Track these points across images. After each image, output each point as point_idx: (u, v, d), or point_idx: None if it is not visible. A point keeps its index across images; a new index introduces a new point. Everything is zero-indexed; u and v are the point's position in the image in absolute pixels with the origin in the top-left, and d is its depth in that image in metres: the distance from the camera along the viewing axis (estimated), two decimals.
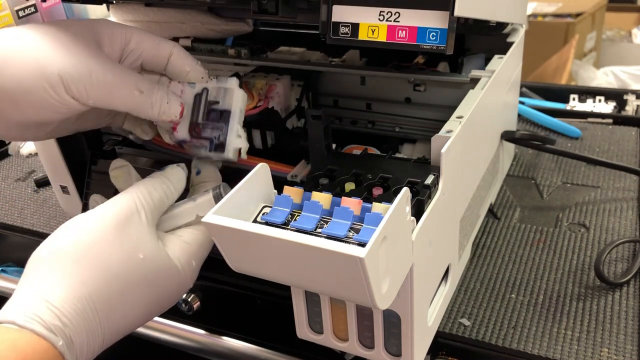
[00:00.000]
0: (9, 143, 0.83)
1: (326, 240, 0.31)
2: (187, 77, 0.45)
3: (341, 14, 0.41)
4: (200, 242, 0.42)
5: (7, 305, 0.34)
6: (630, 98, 0.84)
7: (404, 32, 0.40)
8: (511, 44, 0.56)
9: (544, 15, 1.96)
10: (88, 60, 0.38)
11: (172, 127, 0.45)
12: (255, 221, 0.37)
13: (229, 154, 0.45)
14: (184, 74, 0.45)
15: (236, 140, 0.45)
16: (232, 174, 0.46)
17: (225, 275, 0.53)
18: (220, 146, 0.45)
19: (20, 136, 0.41)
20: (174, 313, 0.55)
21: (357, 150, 0.52)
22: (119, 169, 0.46)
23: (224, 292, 0.53)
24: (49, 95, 0.38)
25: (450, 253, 0.46)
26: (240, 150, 0.45)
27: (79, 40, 0.39)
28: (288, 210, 0.36)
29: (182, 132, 0.45)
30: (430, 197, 0.39)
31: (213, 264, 0.54)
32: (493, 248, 0.56)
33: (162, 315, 0.55)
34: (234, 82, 0.45)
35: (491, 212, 0.61)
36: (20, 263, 0.64)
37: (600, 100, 0.84)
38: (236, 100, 0.45)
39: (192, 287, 0.54)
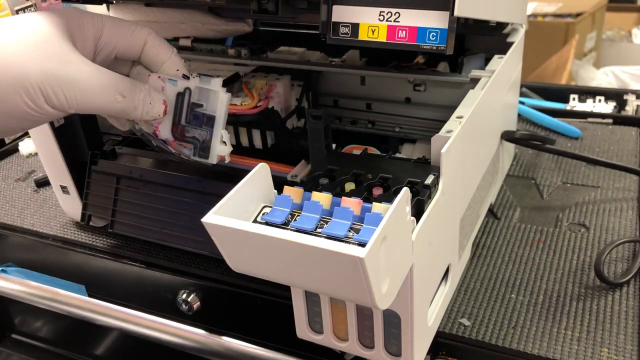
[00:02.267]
0: (9, 143, 0.83)
1: (326, 240, 0.31)
2: (163, 67, 0.44)
3: (341, 14, 0.41)
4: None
5: None
6: (630, 98, 0.84)
7: (404, 32, 0.40)
8: (511, 44, 0.56)
9: (544, 15, 1.96)
10: (68, 66, 0.37)
11: (154, 127, 0.44)
12: (255, 221, 0.37)
13: (213, 159, 0.44)
14: (159, 64, 0.44)
15: (220, 147, 0.44)
16: (232, 174, 0.46)
17: (225, 275, 0.53)
18: (204, 150, 0.44)
19: None
20: (174, 313, 0.55)
21: (357, 150, 0.51)
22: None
23: (224, 292, 0.53)
24: (26, 105, 0.36)
25: (450, 253, 0.46)
26: (224, 156, 0.45)
27: (56, 39, 0.37)
28: (288, 210, 0.36)
29: (165, 132, 0.44)
30: (430, 197, 0.39)
31: (213, 264, 0.55)
32: (493, 248, 0.56)
33: (162, 315, 0.55)
34: (217, 84, 0.43)
35: (491, 212, 0.61)
36: (20, 263, 0.64)
37: (600, 100, 0.84)
38: (221, 104, 0.43)
39: (192, 287, 0.54)
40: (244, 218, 0.36)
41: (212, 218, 0.33)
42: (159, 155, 0.51)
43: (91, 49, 0.41)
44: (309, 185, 0.40)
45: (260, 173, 0.38)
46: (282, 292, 0.50)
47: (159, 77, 0.43)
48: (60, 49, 0.37)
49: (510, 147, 0.68)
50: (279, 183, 0.39)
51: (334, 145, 0.48)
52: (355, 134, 0.59)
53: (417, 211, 0.37)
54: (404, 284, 0.36)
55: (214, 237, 0.35)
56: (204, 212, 0.34)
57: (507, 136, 0.59)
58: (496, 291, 0.51)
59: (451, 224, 0.45)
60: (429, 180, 0.39)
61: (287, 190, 0.38)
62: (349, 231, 0.34)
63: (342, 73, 0.58)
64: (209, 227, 0.34)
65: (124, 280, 0.58)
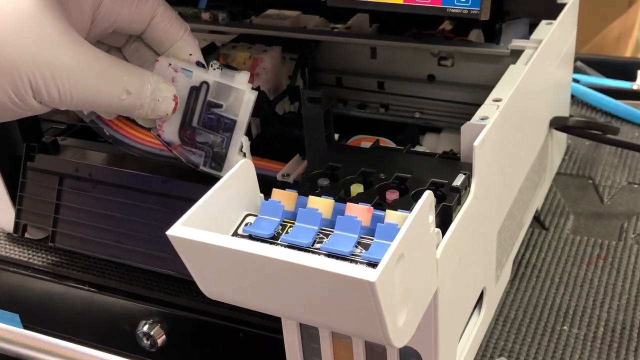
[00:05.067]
0: None
1: (326, 259, 0.31)
2: (173, 48, 0.44)
3: None
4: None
5: None
6: None
7: None
8: (563, 6, 0.56)
9: None
10: (65, 53, 0.37)
11: (157, 126, 0.45)
12: (235, 234, 0.37)
13: (227, 172, 0.45)
14: (167, 44, 0.44)
15: (238, 158, 0.44)
16: (207, 173, 0.46)
17: (197, 301, 0.53)
18: (217, 160, 0.45)
19: None
20: (132, 349, 0.55)
21: (366, 142, 0.51)
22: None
23: (196, 323, 0.53)
24: (10, 100, 0.36)
25: (486, 274, 0.46)
26: None
27: (49, 16, 0.36)
28: (278, 220, 0.36)
29: (170, 133, 0.45)
30: (459, 203, 0.39)
31: (182, 287, 0.54)
32: (539, 267, 0.56)
33: (118, 353, 0.55)
34: (243, 80, 0.44)
35: (537, 220, 0.61)
36: None
37: None
38: (245, 106, 0.44)
39: (155, 316, 0.54)
40: (222, 230, 0.36)
41: (180, 230, 0.33)
42: (114, 148, 0.51)
43: (87, 22, 0.41)
44: (305, 187, 0.40)
45: (242, 172, 0.38)
46: (270, 324, 0.49)
47: (170, 64, 0.44)
48: (55, 30, 0.37)
49: (561, 138, 0.68)
50: (267, 184, 0.39)
51: (336, 136, 0.49)
52: (364, 122, 0.59)
53: (444, 221, 0.37)
54: (427, 315, 0.36)
55: (182, 254, 0.34)
56: (170, 221, 0.34)
57: (558, 124, 0.59)
58: (544, 322, 0.51)
59: (486, 237, 0.45)
60: (459, 181, 0.39)
61: (277, 194, 0.38)
62: (356, 247, 0.34)
63: (347, 43, 0.57)
64: (175, 242, 0.34)
65: (68, 307, 0.58)
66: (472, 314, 0.46)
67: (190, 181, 0.50)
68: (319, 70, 0.61)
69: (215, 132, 0.45)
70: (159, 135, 0.45)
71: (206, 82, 0.44)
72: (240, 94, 0.44)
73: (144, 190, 0.52)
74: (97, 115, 0.48)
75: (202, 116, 0.44)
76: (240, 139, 0.44)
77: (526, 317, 0.51)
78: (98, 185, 0.54)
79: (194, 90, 0.44)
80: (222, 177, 0.44)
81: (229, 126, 0.44)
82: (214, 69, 0.44)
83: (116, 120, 0.48)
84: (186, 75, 0.44)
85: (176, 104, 0.43)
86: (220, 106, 0.44)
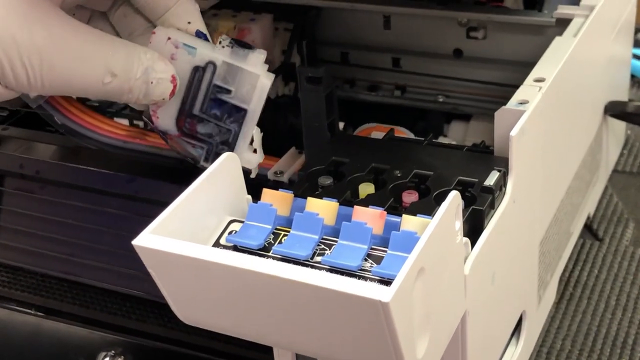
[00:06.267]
0: None
1: (329, 275, 0.31)
2: (167, 15, 0.43)
3: None
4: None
5: None
6: None
7: None
8: None
9: None
10: (36, 26, 0.36)
11: (151, 111, 0.45)
12: (217, 244, 0.37)
13: None
14: (161, 9, 0.43)
15: (247, 155, 0.45)
16: (183, 169, 0.46)
17: (170, 329, 0.53)
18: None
19: None
20: None
21: (377, 132, 0.52)
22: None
23: (169, 355, 0.53)
24: None
25: (525, 294, 0.46)
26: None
27: None
28: (269, 227, 0.36)
29: (166, 121, 0.45)
30: (493, 207, 0.39)
31: (151, 311, 0.55)
32: (592, 286, 0.56)
33: None
34: (257, 61, 0.44)
35: (589, 229, 0.61)
36: None
37: None
38: (259, 93, 0.44)
39: (118, 347, 0.54)
40: (200, 239, 0.36)
41: (149, 239, 0.33)
42: (67, 140, 0.51)
43: None
44: (303, 187, 0.40)
45: (226, 168, 0.38)
46: (259, 355, 0.50)
47: (169, 37, 0.44)
48: None
49: (618, 128, 0.68)
50: (255, 184, 0.40)
51: (341, 125, 0.48)
52: (375, 107, 0.59)
53: (474, 228, 0.38)
54: (452, 344, 0.36)
55: (151, 269, 0.35)
56: (136, 229, 0.34)
57: (615, 110, 0.59)
58: (596, 354, 0.51)
59: (526, 249, 0.45)
60: (492, 179, 0.39)
61: (268, 195, 0.38)
62: (366, 260, 0.34)
63: (354, 10, 0.58)
64: (143, 254, 0.34)
65: (10, 336, 0.58)
66: (508, 343, 0.46)
67: (161, 180, 0.50)
68: (320, 44, 0.61)
69: (221, 123, 0.45)
70: (152, 122, 0.45)
71: (212, 62, 0.44)
72: (253, 78, 0.44)
73: (104, 191, 0.52)
74: (46, 99, 0.48)
75: (205, 103, 0.44)
76: (251, 132, 0.45)
77: (575, 348, 0.51)
78: (48, 186, 0.54)
79: (198, 71, 0.44)
80: None
81: (238, 116, 0.44)
82: (223, 47, 0.44)
83: (69, 105, 0.48)
84: (189, 52, 0.44)
85: (175, 86, 0.43)
86: (229, 92, 0.44)
